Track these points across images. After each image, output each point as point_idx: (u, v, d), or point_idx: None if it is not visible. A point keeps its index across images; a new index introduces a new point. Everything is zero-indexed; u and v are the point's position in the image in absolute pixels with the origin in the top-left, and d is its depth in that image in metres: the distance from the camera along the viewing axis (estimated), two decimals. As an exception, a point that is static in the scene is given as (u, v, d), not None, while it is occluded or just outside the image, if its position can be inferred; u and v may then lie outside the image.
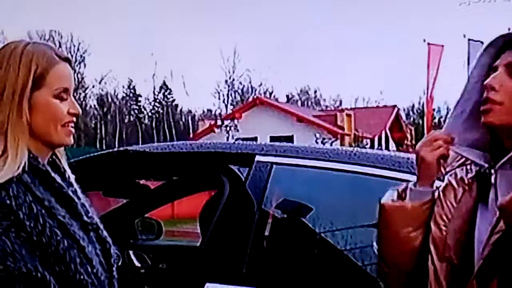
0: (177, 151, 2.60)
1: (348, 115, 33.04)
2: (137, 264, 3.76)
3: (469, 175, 1.47)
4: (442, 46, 18.40)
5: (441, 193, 1.50)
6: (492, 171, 1.44)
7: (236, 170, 2.42)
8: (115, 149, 2.74)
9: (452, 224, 1.45)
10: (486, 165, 1.45)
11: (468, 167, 1.49)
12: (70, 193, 1.44)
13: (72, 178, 1.51)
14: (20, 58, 1.39)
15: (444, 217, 1.46)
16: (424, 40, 18.92)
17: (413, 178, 2.22)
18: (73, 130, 1.46)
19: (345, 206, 2.47)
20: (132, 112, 53.13)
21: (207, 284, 2.22)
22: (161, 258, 3.78)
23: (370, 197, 2.46)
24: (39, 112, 1.39)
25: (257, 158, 2.41)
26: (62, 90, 1.42)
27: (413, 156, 2.48)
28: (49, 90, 1.41)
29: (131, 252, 3.75)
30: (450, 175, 1.52)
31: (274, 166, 2.38)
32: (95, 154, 2.70)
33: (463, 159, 1.51)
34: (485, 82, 1.41)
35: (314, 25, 69.13)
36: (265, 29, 72.31)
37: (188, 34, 70.84)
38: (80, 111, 1.48)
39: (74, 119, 1.46)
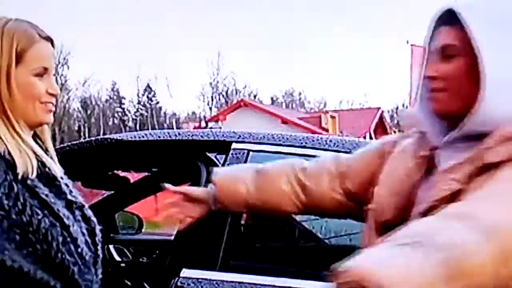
0: (154, 139, 2.60)
1: (333, 117, 33.22)
2: (117, 258, 3.75)
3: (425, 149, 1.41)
4: (425, 48, 18.56)
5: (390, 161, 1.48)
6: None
7: (213, 158, 2.44)
8: (93, 138, 2.74)
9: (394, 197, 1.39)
10: (434, 142, 1.38)
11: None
12: (53, 172, 1.43)
13: (55, 158, 1.48)
14: (1, 36, 1.38)
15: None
16: (407, 42, 19.07)
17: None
18: (53, 108, 1.44)
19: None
20: (116, 115, 52.88)
21: (184, 270, 2.24)
22: (141, 252, 3.78)
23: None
24: (18, 90, 1.37)
25: (234, 145, 2.43)
26: (42, 70, 1.41)
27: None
28: (27, 69, 1.39)
29: (111, 246, 3.74)
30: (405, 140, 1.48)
31: (251, 153, 2.41)
32: (74, 143, 2.69)
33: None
34: (423, 75, 1.39)
35: (299, 28, 69.38)
36: (250, 31, 72.52)
37: (172, 37, 70.75)
38: (59, 91, 1.47)
39: (53, 100, 1.44)
